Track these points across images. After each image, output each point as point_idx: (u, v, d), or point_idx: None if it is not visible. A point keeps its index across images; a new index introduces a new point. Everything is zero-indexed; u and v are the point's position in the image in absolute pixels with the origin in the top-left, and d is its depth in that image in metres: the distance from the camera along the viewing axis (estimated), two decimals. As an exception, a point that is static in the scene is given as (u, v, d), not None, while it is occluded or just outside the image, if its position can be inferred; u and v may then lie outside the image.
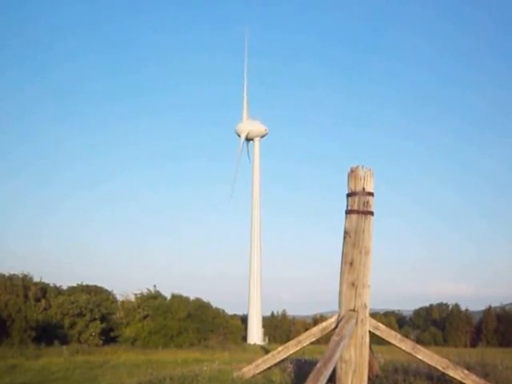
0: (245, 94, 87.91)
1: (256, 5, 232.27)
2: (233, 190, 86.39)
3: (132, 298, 55.84)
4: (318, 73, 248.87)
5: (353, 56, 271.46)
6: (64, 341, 41.67)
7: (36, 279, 52.61)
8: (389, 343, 11.75)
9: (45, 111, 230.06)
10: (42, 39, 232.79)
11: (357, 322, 11.29)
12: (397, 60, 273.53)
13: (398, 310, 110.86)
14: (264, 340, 79.87)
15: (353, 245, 11.52)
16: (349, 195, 11.80)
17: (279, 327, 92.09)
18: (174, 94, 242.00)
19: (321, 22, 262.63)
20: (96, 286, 63.22)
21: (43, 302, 49.34)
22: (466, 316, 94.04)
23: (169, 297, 57.20)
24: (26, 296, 47.81)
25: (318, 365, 9.91)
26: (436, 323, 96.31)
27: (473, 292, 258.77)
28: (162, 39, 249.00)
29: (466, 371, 11.38)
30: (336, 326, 11.44)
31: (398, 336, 11.84)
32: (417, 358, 11.63)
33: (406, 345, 11.60)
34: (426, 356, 11.45)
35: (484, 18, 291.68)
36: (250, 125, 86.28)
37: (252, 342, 73.30)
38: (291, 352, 12.53)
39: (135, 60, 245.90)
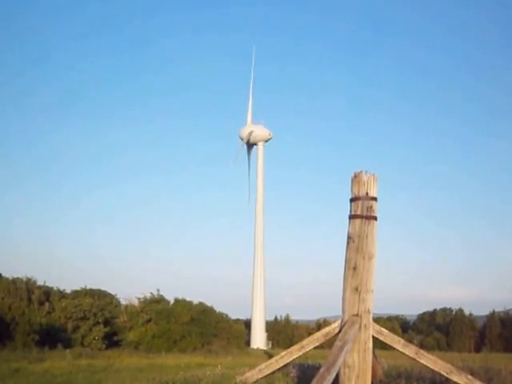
0: (250, 98, 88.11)
1: (262, 11, 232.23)
2: (250, 194, 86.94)
3: (135, 302, 55.87)
4: (321, 78, 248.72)
5: (357, 62, 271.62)
6: (67, 344, 41.64)
7: (40, 283, 52.73)
8: (392, 348, 11.73)
9: (50, 116, 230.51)
10: (49, 43, 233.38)
11: (360, 326, 11.28)
12: (401, 67, 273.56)
13: (402, 315, 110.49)
14: (267, 344, 79.81)
15: (356, 250, 11.50)
16: (352, 200, 11.78)
17: (282, 332, 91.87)
18: (178, 98, 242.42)
19: (325, 28, 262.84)
20: (100, 290, 63.28)
21: (47, 305, 49.38)
22: (470, 321, 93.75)
23: (172, 301, 57.22)
24: (29, 299, 47.85)
25: (322, 370, 9.91)
26: (440, 328, 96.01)
27: (476, 297, 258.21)
28: (168, 45, 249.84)
29: (469, 376, 11.33)
30: (339, 331, 11.43)
31: (402, 341, 11.80)
32: (420, 363, 11.60)
33: (410, 350, 11.57)
34: (430, 361, 11.42)
35: (485, 24, 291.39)
36: (253, 129, 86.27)
37: (255, 347, 73.26)
38: (294, 357, 12.50)
39: (140, 65, 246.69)
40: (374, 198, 11.71)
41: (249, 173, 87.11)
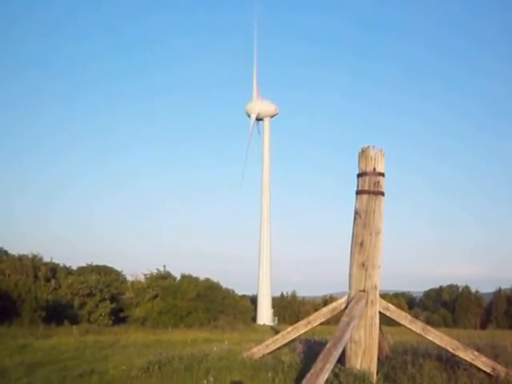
0: (254, 73, 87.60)
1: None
2: (243, 177, 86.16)
3: (142, 278, 55.90)
4: (328, 53, 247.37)
5: (364, 37, 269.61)
6: (74, 321, 41.79)
7: (46, 259, 52.85)
8: (399, 324, 11.72)
9: (54, 93, 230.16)
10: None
11: (367, 302, 11.24)
12: (408, 41, 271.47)
13: (408, 292, 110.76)
14: (273, 320, 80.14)
15: (363, 225, 11.43)
16: (359, 175, 11.69)
17: (289, 308, 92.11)
18: (182, 74, 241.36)
19: (332, 2, 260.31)
20: (106, 266, 63.50)
21: (53, 282, 49.52)
22: (476, 298, 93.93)
23: (178, 277, 57.29)
24: (35, 276, 47.96)
25: (328, 345, 9.88)
26: (446, 305, 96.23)
27: (483, 274, 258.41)
28: (170, 19, 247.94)
29: (475, 353, 11.33)
30: (346, 307, 11.40)
31: (408, 317, 11.79)
32: (427, 339, 11.59)
33: (416, 326, 11.55)
34: (436, 337, 11.40)
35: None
36: (260, 104, 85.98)
37: (261, 323, 73.65)
38: (301, 332, 12.52)
39: (143, 39, 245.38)
40: (382, 174, 11.61)
41: (247, 147, 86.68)
